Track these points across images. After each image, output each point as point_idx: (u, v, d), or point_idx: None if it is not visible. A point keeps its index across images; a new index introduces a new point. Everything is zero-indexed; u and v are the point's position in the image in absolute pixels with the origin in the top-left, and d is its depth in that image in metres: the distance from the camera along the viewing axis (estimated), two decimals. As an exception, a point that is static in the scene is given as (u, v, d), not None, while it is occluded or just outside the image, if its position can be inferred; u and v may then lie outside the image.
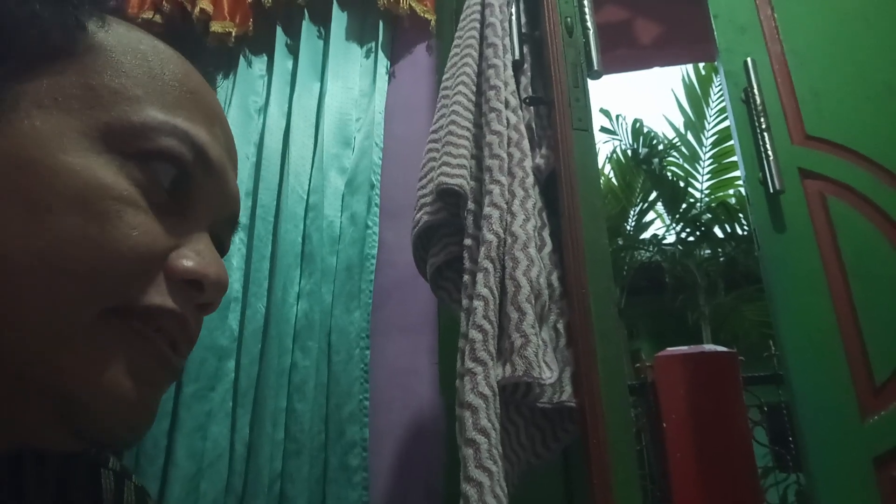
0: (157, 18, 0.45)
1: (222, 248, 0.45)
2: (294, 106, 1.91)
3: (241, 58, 2.06)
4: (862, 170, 1.36)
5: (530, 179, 1.16)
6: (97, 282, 0.33)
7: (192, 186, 0.38)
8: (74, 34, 0.36)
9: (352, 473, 1.53)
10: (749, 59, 1.45)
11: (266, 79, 2.05)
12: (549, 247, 1.17)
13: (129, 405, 0.34)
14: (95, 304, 0.33)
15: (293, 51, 2.04)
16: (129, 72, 0.37)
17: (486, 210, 1.11)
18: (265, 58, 2.08)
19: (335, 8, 2.03)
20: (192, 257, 0.37)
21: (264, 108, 1.98)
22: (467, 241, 1.16)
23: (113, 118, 0.35)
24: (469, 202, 1.19)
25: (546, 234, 1.19)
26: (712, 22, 1.54)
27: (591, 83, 1.27)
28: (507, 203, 1.12)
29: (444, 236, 1.26)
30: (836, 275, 1.31)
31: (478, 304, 1.03)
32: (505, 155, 1.16)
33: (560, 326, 1.13)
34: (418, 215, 1.25)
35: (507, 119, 1.21)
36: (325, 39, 2.03)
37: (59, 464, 0.42)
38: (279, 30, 2.05)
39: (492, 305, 1.03)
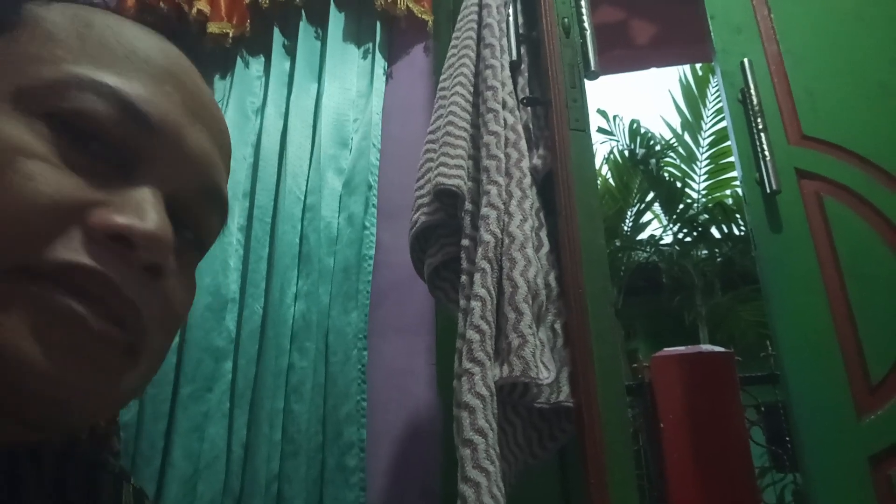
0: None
1: (200, 228, 0.41)
2: (291, 107, 1.91)
3: (239, 58, 2.06)
4: (858, 170, 1.37)
5: (528, 180, 1.16)
6: None
7: (127, 145, 0.35)
8: (4, 9, 0.35)
9: (349, 474, 1.53)
10: (745, 60, 1.46)
11: (263, 80, 2.05)
12: (546, 247, 1.17)
13: (39, 376, 0.30)
14: None
15: (290, 51, 2.05)
16: (58, 36, 0.35)
17: (484, 210, 1.11)
18: (262, 59, 2.08)
19: (332, 9, 2.04)
20: (117, 211, 0.33)
21: (261, 109, 1.98)
22: (465, 242, 1.16)
23: (24, 80, 0.33)
24: (466, 202, 1.19)
25: (543, 234, 1.19)
26: (709, 22, 1.54)
27: (588, 84, 1.27)
28: (504, 203, 1.12)
29: (442, 237, 1.26)
30: (832, 275, 1.31)
31: (475, 304, 1.04)
32: (502, 155, 1.16)
33: (557, 327, 1.13)
34: (416, 216, 1.25)
35: (505, 120, 1.21)
36: (323, 40, 2.03)
37: (56, 465, 0.42)
38: (276, 31, 2.06)
39: (489, 306, 1.03)
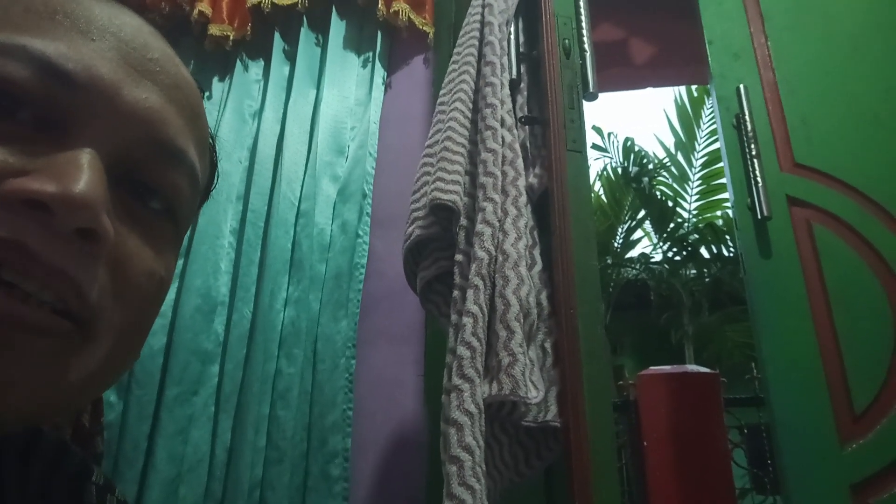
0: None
1: (159, 187, 0.38)
2: (289, 112, 1.92)
3: (238, 62, 2.06)
4: (849, 199, 1.38)
5: (523, 198, 1.17)
6: None
7: (49, 106, 0.32)
8: None
9: (333, 483, 1.52)
10: (741, 86, 1.47)
11: (262, 84, 2.05)
12: (539, 266, 1.18)
13: None
14: None
15: (290, 57, 2.05)
16: None
17: (479, 227, 1.12)
18: (262, 63, 2.08)
19: (334, 16, 2.04)
20: (36, 176, 0.30)
21: (259, 113, 1.98)
22: (458, 257, 1.17)
23: None
24: (462, 218, 1.19)
25: (537, 252, 1.20)
26: (707, 47, 1.56)
27: (583, 104, 1.28)
28: (499, 221, 1.13)
29: (436, 250, 1.27)
30: (819, 302, 1.32)
31: (467, 320, 1.04)
32: (499, 173, 1.17)
33: (547, 345, 1.13)
34: (410, 229, 1.25)
35: (503, 137, 1.22)
36: (323, 47, 2.04)
37: (41, 477, 0.41)
38: (277, 35, 2.06)
39: (481, 323, 1.04)
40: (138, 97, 0.35)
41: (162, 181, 0.37)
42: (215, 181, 0.50)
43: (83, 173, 0.31)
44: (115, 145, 0.34)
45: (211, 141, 0.46)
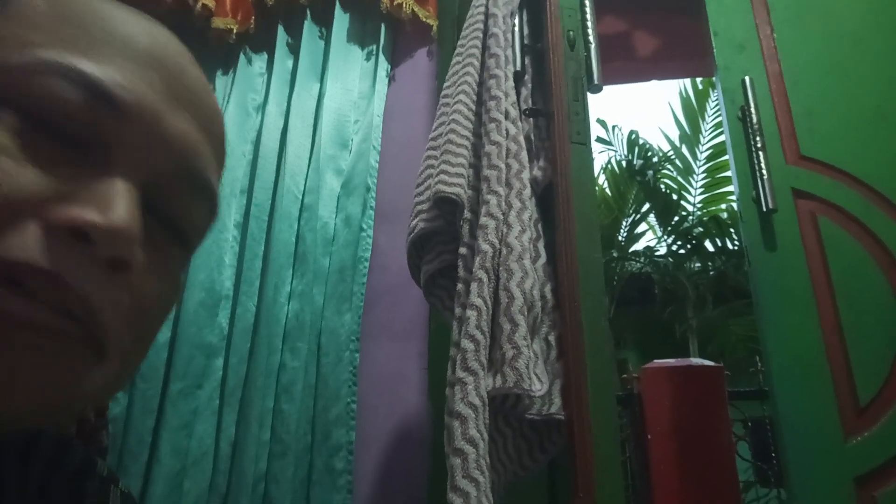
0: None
1: (182, 219, 0.38)
2: (293, 105, 1.91)
3: (242, 55, 2.05)
4: (854, 192, 1.38)
5: (527, 191, 1.17)
6: None
7: (95, 131, 0.33)
8: None
9: (337, 476, 1.53)
10: (747, 78, 1.47)
11: (266, 77, 2.05)
12: (543, 258, 1.18)
13: None
14: None
15: (294, 50, 2.04)
16: (33, 20, 0.33)
17: (483, 220, 1.12)
18: (265, 56, 2.08)
19: (337, 9, 2.04)
20: (79, 203, 0.30)
21: (262, 107, 1.97)
22: (462, 250, 1.17)
23: None
24: (465, 211, 1.19)
25: (541, 245, 1.19)
26: (712, 39, 1.55)
27: (588, 97, 1.27)
28: (503, 214, 1.12)
29: (439, 244, 1.27)
30: (824, 295, 1.32)
31: (471, 313, 1.04)
32: (503, 165, 1.17)
33: (551, 339, 1.13)
34: (414, 222, 1.25)
35: (507, 130, 1.22)
36: (327, 40, 2.03)
37: (43, 469, 0.41)
38: (280, 29, 2.05)
39: (485, 316, 1.03)
40: (177, 127, 0.36)
41: (184, 211, 0.38)
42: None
43: (124, 205, 0.31)
44: (148, 172, 0.35)
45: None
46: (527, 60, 1.35)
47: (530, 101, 1.33)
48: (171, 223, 0.38)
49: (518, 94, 1.31)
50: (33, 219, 0.30)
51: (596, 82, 1.23)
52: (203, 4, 1.99)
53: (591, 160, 1.19)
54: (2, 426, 0.31)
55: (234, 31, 2.01)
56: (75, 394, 0.32)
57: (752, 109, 1.44)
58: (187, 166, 0.37)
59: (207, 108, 0.39)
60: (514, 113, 1.24)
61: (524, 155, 1.21)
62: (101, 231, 0.30)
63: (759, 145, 1.40)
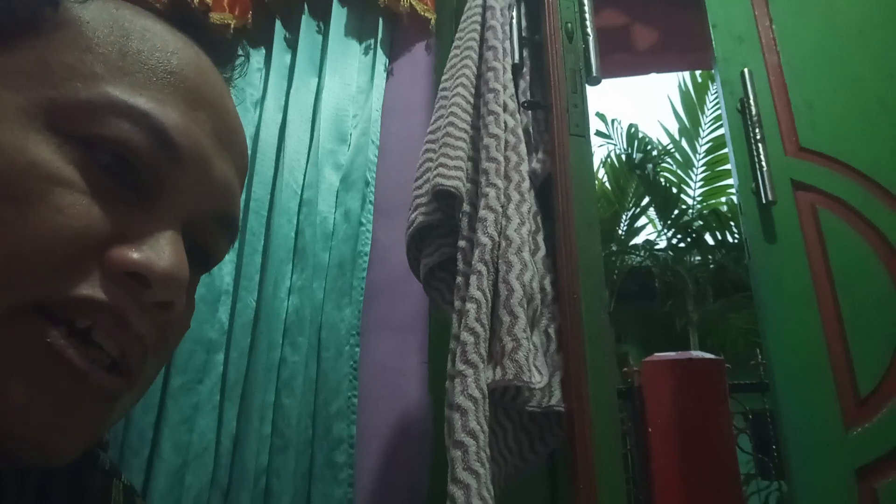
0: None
1: (209, 251, 0.41)
2: (291, 100, 1.91)
3: (239, 50, 2.05)
4: (854, 183, 1.37)
5: (526, 183, 1.16)
6: (8, 270, 0.28)
7: (154, 174, 0.34)
8: (42, 9, 0.33)
9: (338, 470, 1.53)
10: (746, 70, 1.46)
11: (263, 72, 2.04)
12: (542, 251, 1.17)
13: (25, 422, 0.29)
14: (6, 296, 0.29)
15: (292, 45, 2.04)
16: (96, 48, 0.33)
17: (482, 213, 1.12)
18: (263, 51, 2.07)
19: (335, 4, 2.03)
20: (137, 247, 0.32)
21: (261, 102, 1.97)
22: (461, 243, 1.16)
23: (59, 95, 0.32)
24: (464, 204, 1.19)
25: (540, 238, 1.19)
26: (710, 31, 1.54)
27: (587, 89, 1.27)
28: (502, 206, 1.12)
29: (438, 237, 1.27)
30: (824, 287, 1.32)
31: (470, 306, 1.04)
32: (502, 158, 1.16)
33: (551, 331, 1.13)
34: (413, 215, 1.25)
35: (505, 122, 1.21)
36: (324, 35, 2.03)
37: (41, 470, 0.40)
38: (278, 23, 2.05)
39: (484, 308, 1.03)
40: (221, 172, 0.38)
41: (213, 244, 0.41)
42: None
43: (176, 251, 0.34)
44: (191, 213, 0.37)
45: None
46: (525, 53, 1.35)
47: (528, 94, 1.33)
48: (200, 254, 0.40)
49: (516, 86, 1.31)
50: (95, 258, 0.31)
51: (594, 74, 1.22)
52: (201, 0, 1.98)
53: (590, 152, 1.19)
54: (36, 462, 0.33)
55: (232, 26, 2.01)
56: (104, 427, 0.34)
57: (752, 101, 1.43)
58: (225, 208, 0.39)
59: (241, 145, 0.42)
60: (512, 105, 1.24)
61: (523, 147, 1.20)
62: (157, 276, 0.32)
63: (758, 137, 1.40)
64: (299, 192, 1.79)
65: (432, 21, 2.00)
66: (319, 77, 1.97)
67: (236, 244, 1.77)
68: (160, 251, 0.33)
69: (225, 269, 1.73)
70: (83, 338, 0.31)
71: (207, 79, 0.39)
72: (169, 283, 0.33)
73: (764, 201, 1.35)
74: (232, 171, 0.39)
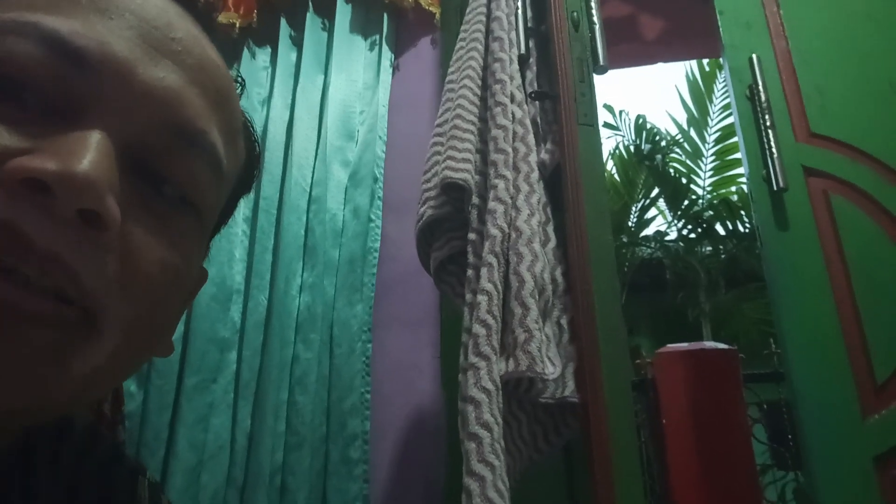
0: None
1: (181, 175, 0.35)
2: (298, 98, 1.91)
3: (245, 49, 2.05)
4: (866, 168, 1.36)
5: (535, 174, 1.16)
6: None
7: (63, 88, 0.31)
8: None
9: (353, 466, 1.53)
10: (754, 56, 1.45)
11: (270, 71, 2.04)
12: (553, 242, 1.17)
13: None
14: None
15: (297, 43, 2.04)
16: None
17: (491, 205, 1.11)
18: (269, 49, 2.08)
19: (339, 0, 2.03)
20: (39, 156, 0.28)
21: (268, 100, 1.97)
22: (471, 236, 1.16)
23: None
24: (473, 196, 1.19)
25: (550, 229, 1.19)
26: (717, 18, 1.53)
27: (594, 78, 1.26)
28: (511, 198, 1.12)
29: (448, 230, 1.26)
30: (838, 273, 1.30)
31: (482, 298, 1.03)
32: (510, 149, 1.16)
33: (563, 322, 1.13)
34: (422, 209, 1.25)
35: (513, 113, 1.21)
36: (330, 32, 2.03)
37: (72, 461, 0.41)
38: (283, 21, 2.05)
39: (495, 300, 1.03)
40: (155, 77, 0.33)
41: (178, 168, 0.35)
42: (258, 171, 0.48)
43: (88, 152, 0.28)
44: (129, 129, 0.32)
45: (250, 130, 0.44)
46: (531, 43, 1.34)
47: (535, 85, 1.33)
48: (172, 188, 0.35)
49: (523, 77, 1.31)
50: None
51: (601, 63, 1.22)
52: (206, 1, 1.99)
53: (598, 141, 1.19)
54: None
55: (238, 25, 2.01)
56: (69, 377, 0.30)
57: (761, 88, 1.42)
58: (171, 118, 0.34)
59: (196, 57, 0.36)
60: (519, 96, 1.23)
61: (531, 138, 1.20)
62: (57, 178, 0.27)
63: (768, 124, 1.39)
64: (308, 190, 1.79)
65: (437, 15, 1.99)
66: (326, 74, 1.97)
67: (247, 243, 1.78)
68: (69, 156, 0.28)
69: (236, 268, 1.74)
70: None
71: None
72: (74, 184, 0.27)
73: (775, 188, 1.34)
74: (177, 79, 0.34)
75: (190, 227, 0.37)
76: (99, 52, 0.31)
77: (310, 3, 2.04)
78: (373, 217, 1.80)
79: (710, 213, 4.95)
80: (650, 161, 4.88)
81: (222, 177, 0.39)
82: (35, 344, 0.28)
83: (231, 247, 1.75)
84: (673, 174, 4.98)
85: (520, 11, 1.35)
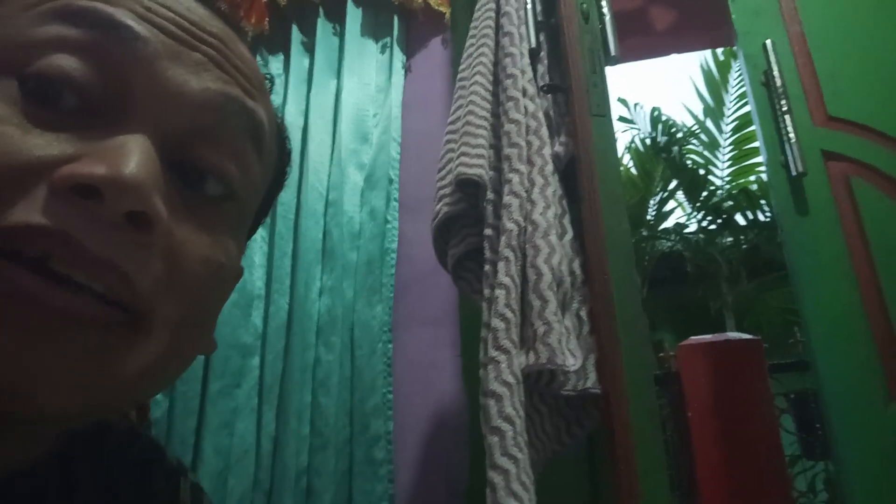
0: None
1: (213, 166, 0.35)
2: (311, 103, 1.92)
3: (258, 57, 2.07)
4: (887, 149, 1.34)
5: (549, 167, 1.16)
6: None
7: (106, 91, 0.31)
8: None
9: (377, 466, 1.54)
10: (768, 42, 1.43)
11: (283, 77, 2.06)
12: (569, 234, 1.17)
13: None
14: None
15: (309, 49, 2.05)
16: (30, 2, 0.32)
17: (506, 199, 1.11)
18: (281, 56, 2.09)
19: (349, 5, 2.04)
20: (87, 161, 0.28)
21: (282, 107, 1.99)
22: (487, 231, 1.16)
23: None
24: (488, 192, 1.19)
25: (566, 221, 1.18)
26: (729, 5, 1.52)
27: (607, 71, 1.26)
28: (526, 191, 1.12)
29: (464, 227, 1.26)
30: (861, 257, 1.28)
31: (499, 292, 1.03)
32: (524, 143, 1.16)
33: (583, 314, 1.12)
34: (438, 206, 1.25)
35: (525, 107, 1.21)
36: (341, 36, 2.04)
37: (112, 462, 0.41)
38: (294, 28, 2.07)
39: (513, 294, 1.03)
40: (176, 78, 0.33)
41: (217, 160, 0.35)
42: (289, 169, 0.48)
43: (133, 155, 0.29)
44: (168, 126, 0.33)
45: (281, 127, 0.45)
46: (541, 37, 1.34)
47: (547, 78, 1.32)
48: (212, 182, 0.35)
49: (535, 71, 1.30)
50: (42, 183, 0.28)
51: (613, 54, 1.21)
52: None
53: (612, 132, 1.18)
54: (46, 421, 0.30)
55: (250, 33, 2.03)
56: (120, 379, 0.30)
57: (776, 73, 1.40)
58: (196, 121, 0.34)
59: (232, 51, 0.37)
60: (531, 90, 1.23)
61: (544, 131, 1.20)
62: (107, 182, 0.27)
63: (784, 109, 1.37)
64: (325, 194, 1.80)
65: (447, 14, 2.00)
66: (338, 78, 1.98)
67: (266, 248, 1.79)
68: (114, 159, 0.28)
69: (256, 274, 1.75)
70: (52, 274, 0.28)
71: None
72: (124, 189, 0.28)
73: (794, 173, 1.32)
74: (214, 77, 0.35)
75: (231, 218, 0.37)
76: (133, 49, 0.32)
77: (320, 9, 2.05)
78: (389, 218, 1.81)
79: (730, 203, 4.90)
80: (667, 153, 4.84)
81: (263, 151, 0.39)
82: (85, 347, 0.29)
83: (251, 253, 1.76)
84: (690, 165, 4.94)
85: (529, 6, 1.35)
